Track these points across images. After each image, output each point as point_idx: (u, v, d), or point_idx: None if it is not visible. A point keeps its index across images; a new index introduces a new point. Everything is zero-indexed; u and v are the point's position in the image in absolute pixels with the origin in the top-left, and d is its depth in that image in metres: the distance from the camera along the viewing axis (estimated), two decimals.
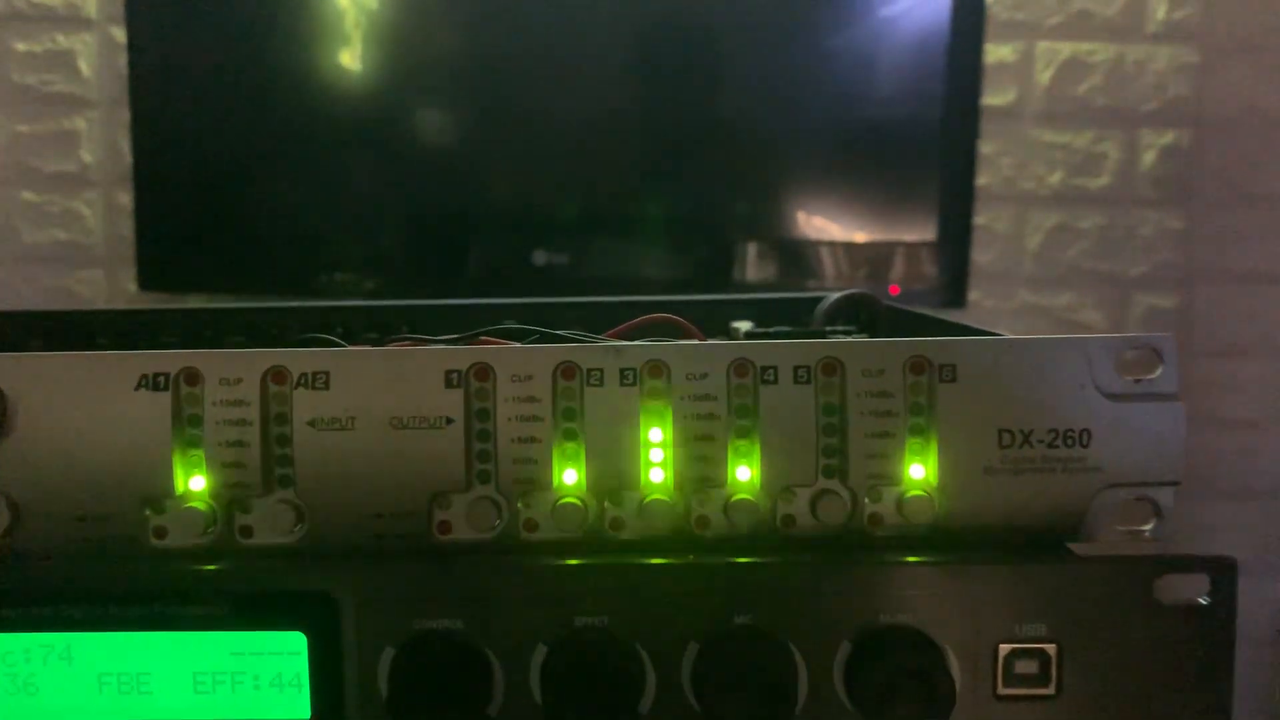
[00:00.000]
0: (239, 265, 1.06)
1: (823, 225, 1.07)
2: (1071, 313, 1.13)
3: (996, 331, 0.39)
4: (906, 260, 1.08)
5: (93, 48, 1.07)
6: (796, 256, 1.07)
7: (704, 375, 0.36)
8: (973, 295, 1.11)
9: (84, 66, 1.07)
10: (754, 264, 1.08)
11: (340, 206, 1.06)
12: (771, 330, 0.52)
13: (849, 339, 0.40)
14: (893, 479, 0.36)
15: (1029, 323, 1.13)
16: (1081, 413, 0.36)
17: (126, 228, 1.07)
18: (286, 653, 0.35)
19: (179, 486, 0.36)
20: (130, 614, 0.35)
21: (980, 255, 1.12)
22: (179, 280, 1.07)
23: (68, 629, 0.35)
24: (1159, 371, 0.36)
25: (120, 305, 1.08)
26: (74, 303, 1.08)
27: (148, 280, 1.05)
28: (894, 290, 1.07)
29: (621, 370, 0.36)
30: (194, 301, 1.09)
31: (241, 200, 1.06)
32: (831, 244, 1.07)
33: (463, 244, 1.07)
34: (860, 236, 1.07)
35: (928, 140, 1.07)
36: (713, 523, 0.36)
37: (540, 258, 1.05)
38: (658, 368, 0.36)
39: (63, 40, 1.06)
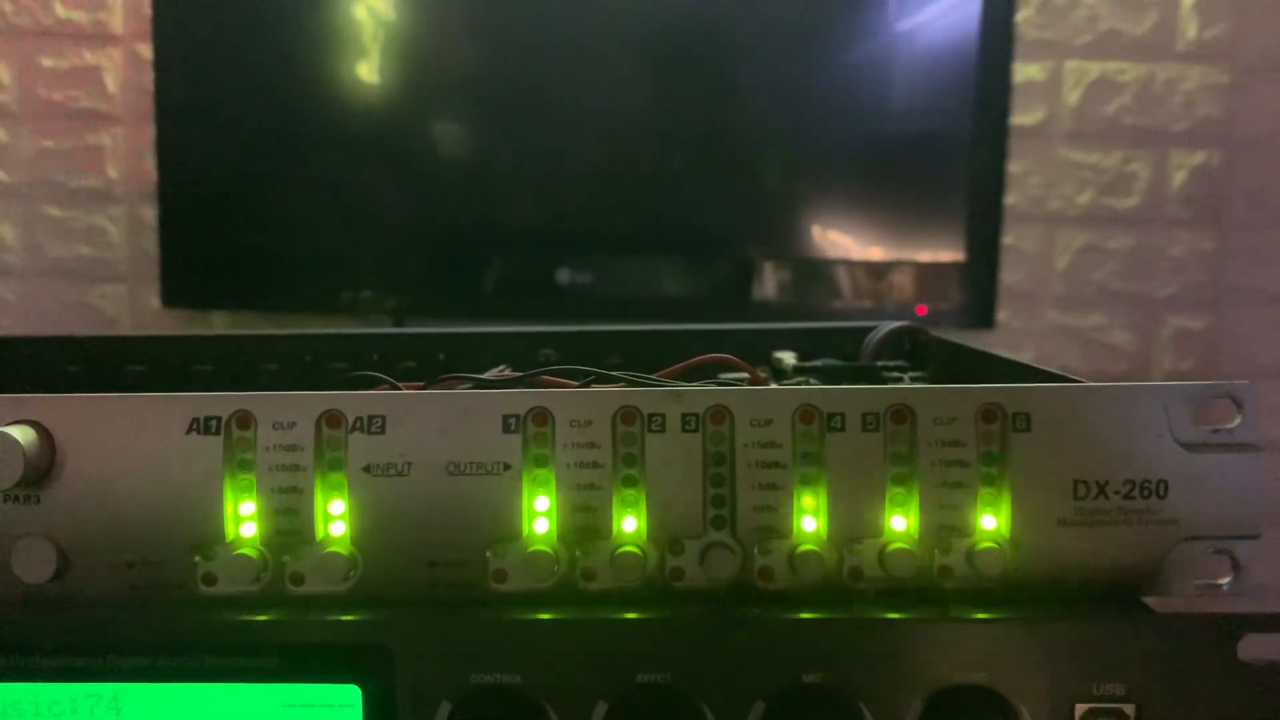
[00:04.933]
0: (261, 282, 1.06)
1: (848, 244, 1.06)
2: (1100, 334, 1.12)
3: (1070, 376, 0.38)
4: (934, 280, 1.06)
5: (119, 64, 1.06)
6: (821, 276, 1.06)
7: (768, 421, 0.35)
8: (1000, 315, 1.10)
9: (110, 83, 1.06)
10: (779, 283, 1.07)
11: (363, 224, 1.05)
12: (820, 364, 0.51)
13: (918, 385, 0.39)
14: (964, 530, 0.35)
15: (1057, 343, 1.12)
16: (1158, 463, 0.35)
17: (150, 243, 1.06)
18: (340, 705, 0.34)
19: (229, 533, 0.35)
20: (180, 665, 0.34)
21: (1008, 275, 1.11)
22: (202, 296, 1.07)
23: (117, 679, 0.34)
24: (1237, 421, 0.35)
25: (144, 320, 1.08)
26: (97, 318, 1.08)
27: (171, 296, 1.05)
28: (921, 310, 1.06)
29: (683, 415, 0.35)
30: (217, 317, 1.08)
31: (264, 217, 1.05)
32: (857, 263, 1.06)
33: (486, 262, 1.06)
34: (887, 256, 1.06)
35: (955, 159, 1.06)
36: (777, 575, 0.35)
37: (564, 276, 1.04)
38: (720, 413, 0.35)
39: (89, 57, 1.06)
